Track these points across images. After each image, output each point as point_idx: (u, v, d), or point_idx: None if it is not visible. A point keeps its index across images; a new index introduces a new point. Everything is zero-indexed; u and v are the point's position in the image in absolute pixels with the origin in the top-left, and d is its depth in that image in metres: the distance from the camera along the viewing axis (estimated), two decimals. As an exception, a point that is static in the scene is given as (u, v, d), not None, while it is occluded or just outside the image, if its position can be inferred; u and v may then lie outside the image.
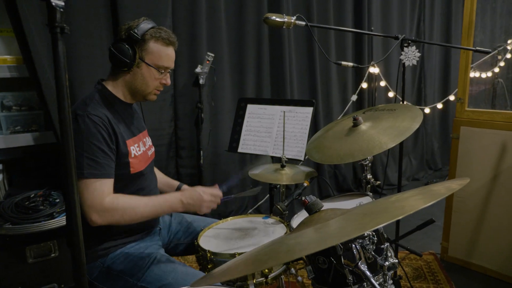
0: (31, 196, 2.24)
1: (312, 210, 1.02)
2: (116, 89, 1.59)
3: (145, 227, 1.63)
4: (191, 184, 2.06)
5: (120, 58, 1.50)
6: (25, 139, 2.48)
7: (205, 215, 1.83)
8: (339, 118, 4.07)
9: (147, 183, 1.65)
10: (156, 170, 1.88)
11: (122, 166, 1.51)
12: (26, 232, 2.08)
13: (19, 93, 2.53)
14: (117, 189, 1.48)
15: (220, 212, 3.41)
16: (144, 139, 1.70)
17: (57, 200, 2.24)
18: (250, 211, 3.59)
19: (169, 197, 1.55)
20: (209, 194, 1.58)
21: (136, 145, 1.60)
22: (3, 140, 2.42)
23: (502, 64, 4.14)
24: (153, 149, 1.78)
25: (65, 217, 2.16)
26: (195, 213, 1.62)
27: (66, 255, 2.19)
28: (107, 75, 1.62)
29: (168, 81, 1.64)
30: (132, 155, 1.56)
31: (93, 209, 1.39)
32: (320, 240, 0.74)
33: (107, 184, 1.44)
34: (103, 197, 1.41)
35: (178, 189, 1.92)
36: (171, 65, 1.61)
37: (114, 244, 1.55)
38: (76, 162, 1.36)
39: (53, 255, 2.16)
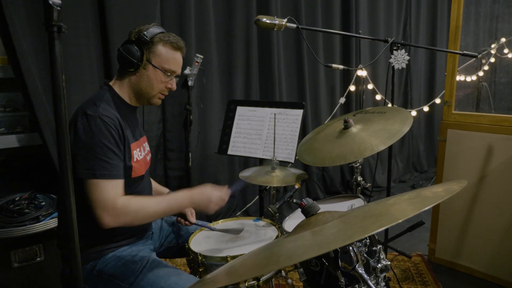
0: (16, 199, 2.19)
1: (309, 212, 1.01)
2: (122, 91, 1.59)
3: (138, 231, 1.61)
4: (180, 187, 2.05)
5: (128, 59, 1.52)
6: (9, 141, 2.43)
7: (196, 218, 1.82)
8: (327, 120, 4.10)
9: (144, 187, 1.65)
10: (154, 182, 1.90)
11: (125, 169, 1.50)
12: (11, 236, 2.03)
13: (4, 94, 2.48)
14: None
15: (209, 215, 3.38)
16: (144, 144, 1.70)
17: (43, 203, 2.20)
18: (239, 213, 3.57)
19: (180, 195, 1.55)
20: (217, 195, 1.57)
21: (138, 149, 1.60)
22: (-13, 142, 2.36)
23: (486, 68, 4.22)
24: (150, 155, 1.78)
25: (50, 220, 2.12)
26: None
27: (51, 259, 2.15)
28: (114, 77, 1.62)
29: (174, 86, 1.64)
30: (135, 159, 1.56)
31: (106, 211, 1.38)
32: (322, 243, 0.73)
33: (119, 185, 1.44)
34: (116, 199, 1.40)
35: None
36: (178, 70, 1.62)
37: (106, 247, 1.52)
38: (86, 163, 1.38)
39: (38, 259, 2.12)
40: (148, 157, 1.73)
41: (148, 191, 1.71)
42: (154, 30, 1.55)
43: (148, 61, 1.55)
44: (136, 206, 1.44)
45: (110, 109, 1.48)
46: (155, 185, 1.94)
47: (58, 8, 0.69)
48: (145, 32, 1.52)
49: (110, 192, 1.39)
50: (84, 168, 1.39)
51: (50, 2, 0.67)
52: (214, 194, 1.56)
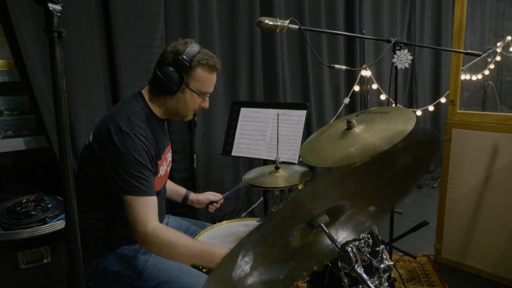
0: (23, 201, 2.22)
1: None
2: (155, 106, 1.60)
3: None
4: (185, 187, 2.07)
5: (167, 84, 1.51)
6: (16, 144, 2.46)
7: (199, 218, 1.85)
8: (331, 121, 4.09)
9: (158, 202, 1.59)
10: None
11: None
12: (18, 238, 2.05)
13: (11, 98, 2.51)
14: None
15: (213, 216, 3.39)
16: (167, 155, 1.71)
17: (49, 205, 2.22)
18: (244, 214, 3.58)
19: (215, 249, 1.43)
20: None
21: (163, 163, 1.62)
22: (-6, 145, 2.39)
23: (492, 66, 4.19)
24: (171, 164, 1.80)
25: (57, 222, 2.14)
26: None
27: (58, 261, 2.17)
28: (147, 90, 1.61)
29: (207, 105, 1.67)
30: (159, 175, 1.58)
31: (136, 232, 1.39)
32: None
33: (151, 202, 1.43)
34: (146, 222, 1.38)
35: (186, 197, 1.98)
36: (212, 90, 1.65)
37: (111, 246, 1.55)
38: (117, 178, 1.38)
39: (45, 260, 2.14)
40: (169, 168, 1.75)
41: (161, 205, 1.71)
42: (192, 51, 1.53)
43: (186, 85, 1.55)
44: (164, 240, 1.39)
45: (143, 125, 1.48)
46: (173, 186, 2.00)
47: (58, 14, 0.70)
48: (184, 56, 1.50)
49: (141, 212, 1.39)
50: (118, 181, 1.40)
51: (51, 9, 0.69)
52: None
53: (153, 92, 1.58)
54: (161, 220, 1.63)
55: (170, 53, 1.53)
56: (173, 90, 1.52)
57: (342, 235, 1.22)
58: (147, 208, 1.40)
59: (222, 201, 2.02)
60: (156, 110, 1.60)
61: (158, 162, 1.55)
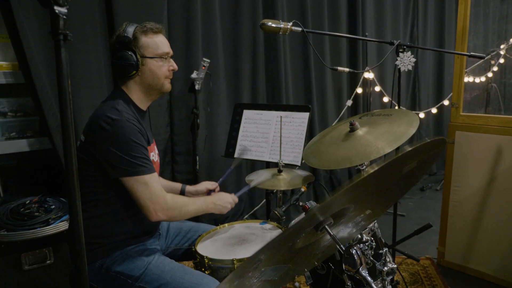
0: (26, 202, 2.22)
1: (312, 216, 1.01)
2: (133, 94, 1.64)
3: (146, 231, 1.64)
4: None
5: (126, 64, 1.56)
6: (20, 145, 2.47)
7: (201, 221, 1.86)
8: (334, 123, 4.09)
9: None
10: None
11: None
12: (22, 239, 2.05)
13: (15, 99, 2.52)
14: (126, 195, 1.51)
15: (216, 218, 3.40)
16: (154, 147, 1.75)
17: (53, 207, 2.23)
18: (246, 216, 3.58)
19: (207, 199, 1.74)
20: (230, 200, 1.76)
21: (152, 153, 1.65)
22: (-2, 146, 2.40)
23: (495, 69, 4.18)
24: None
25: (60, 223, 2.14)
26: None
27: (61, 262, 2.18)
28: (118, 87, 1.65)
29: (175, 66, 1.68)
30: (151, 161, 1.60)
31: (158, 205, 1.49)
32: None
33: (157, 178, 1.56)
34: (164, 193, 1.53)
35: (182, 191, 2.02)
36: (169, 49, 1.66)
37: (115, 246, 1.55)
38: (126, 162, 1.44)
39: (48, 262, 2.14)
40: (158, 161, 1.77)
41: None
42: (130, 27, 1.58)
43: (142, 56, 1.58)
44: (181, 202, 1.58)
45: (130, 113, 1.54)
46: (167, 183, 2.04)
47: (64, 17, 0.71)
48: (125, 34, 1.56)
49: (157, 186, 1.51)
50: (124, 167, 1.45)
51: (57, 11, 0.69)
52: (230, 198, 1.75)
53: (124, 81, 1.63)
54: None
55: (114, 41, 1.59)
56: (134, 66, 1.57)
57: (343, 233, 1.22)
58: (158, 183, 1.52)
59: (218, 188, 2.06)
60: (136, 98, 1.64)
61: (148, 147, 1.59)
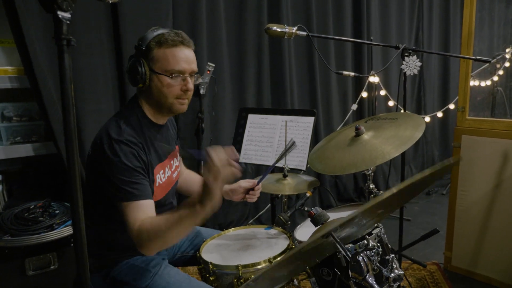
0: (31, 207, 2.22)
1: (318, 222, 1.00)
2: (145, 108, 1.50)
3: None
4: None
5: (133, 76, 1.42)
6: (25, 150, 2.47)
7: (207, 226, 1.83)
8: (339, 127, 4.08)
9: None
10: (188, 171, 1.91)
11: None
12: (26, 244, 2.05)
13: (20, 104, 2.53)
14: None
15: (220, 223, 3.38)
16: (172, 161, 1.63)
17: (57, 211, 2.22)
18: (251, 221, 3.56)
19: (188, 200, 1.27)
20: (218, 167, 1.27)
21: (162, 171, 1.53)
22: (3, 151, 2.40)
23: (501, 72, 4.15)
24: (179, 169, 1.72)
25: (64, 228, 2.14)
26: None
27: (65, 267, 2.17)
28: (136, 95, 1.55)
29: (189, 86, 1.46)
30: (157, 184, 1.50)
31: (132, 237, 1.30)
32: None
33: (145, 205, 1.34)
34: (135, 222, 1.30)
35: None
36: (185, 66, 1.44)
37: (122, 255, 1.53)
38: (114, 185, 1.32)
39: (52, 267, 2.14)
40: (175, 175, 1.67)
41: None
42: (149, 35, 1.42)
43: (151, 70, 1.42)
44: (148, 230, 1.28)
45: (134, 133, 1.40)
46: (188, 175, 1.93)
47: (68, 22, 0.70)
48: (140, 42, 1.41)
49: (132, 215, 1.31)
50: (113, 190, 1.35)
51: (60, 16, 0.69)
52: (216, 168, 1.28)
53: (138, 91, 1.51)
54: None
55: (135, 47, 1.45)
56: (141, 79, 1.41)
57: (346, 234, 1.21)
58: (139, 211, 1.32)
59: (260, 187, 1.80)
60: (148, 113, 1.51)
61: (155, 169, 1.48)
